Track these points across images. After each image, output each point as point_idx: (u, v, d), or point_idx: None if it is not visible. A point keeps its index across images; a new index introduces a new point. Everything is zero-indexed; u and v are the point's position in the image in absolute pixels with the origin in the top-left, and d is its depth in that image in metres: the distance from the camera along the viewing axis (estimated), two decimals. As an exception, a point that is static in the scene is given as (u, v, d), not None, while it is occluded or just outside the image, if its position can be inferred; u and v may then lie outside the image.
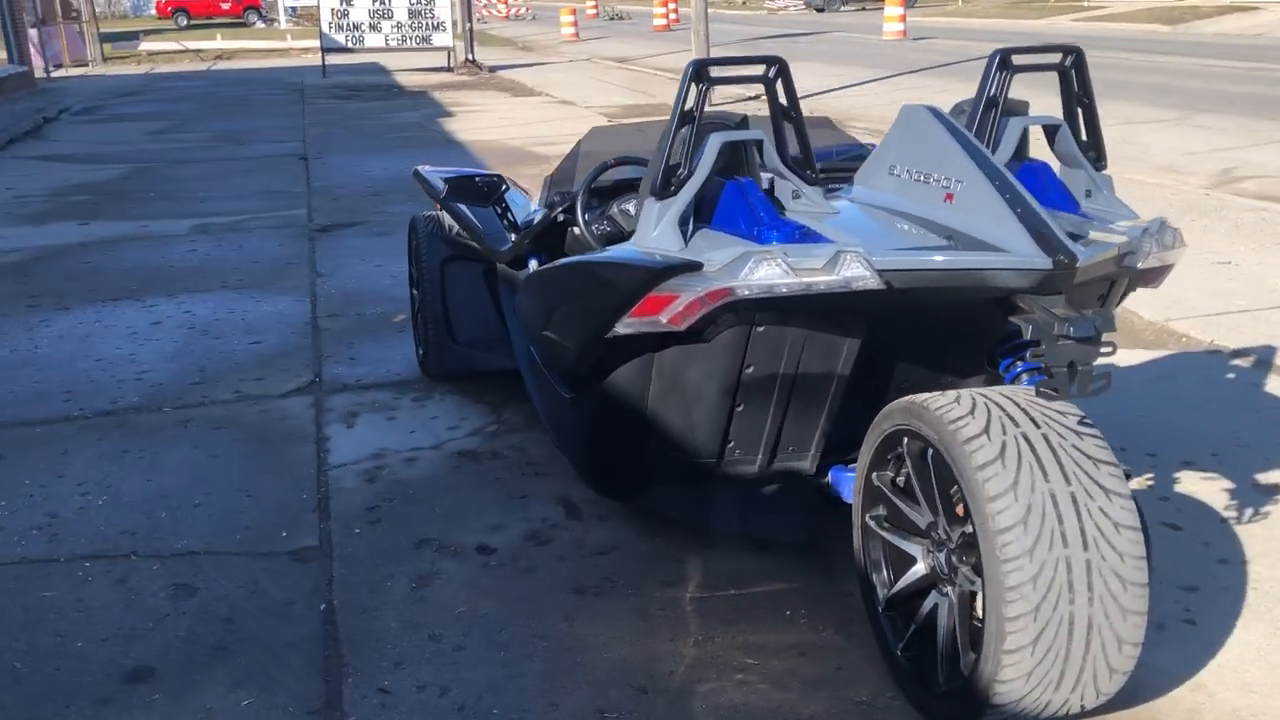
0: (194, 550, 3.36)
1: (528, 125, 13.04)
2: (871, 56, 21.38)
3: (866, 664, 2.73)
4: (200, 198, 9.09)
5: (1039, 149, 2.91)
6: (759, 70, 2.72)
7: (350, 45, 20.91)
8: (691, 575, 3.15)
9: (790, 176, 2.76)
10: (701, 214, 2.77)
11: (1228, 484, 3.62)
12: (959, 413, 2.33)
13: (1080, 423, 2.33)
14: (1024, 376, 2.71)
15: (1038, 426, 2.31)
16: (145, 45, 27.40)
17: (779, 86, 2.75)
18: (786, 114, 2.78)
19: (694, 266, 2.47)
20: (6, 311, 5.96)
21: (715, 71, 2.69)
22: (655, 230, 2.68)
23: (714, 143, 2.68)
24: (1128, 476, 2.50)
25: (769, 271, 2.37)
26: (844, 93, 15.69)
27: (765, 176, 2.82)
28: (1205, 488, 3.60)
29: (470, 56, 21.67)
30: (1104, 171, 2.94)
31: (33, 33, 21.34)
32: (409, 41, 21.14)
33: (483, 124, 13.31)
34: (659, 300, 2.53)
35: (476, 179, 4.03)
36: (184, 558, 3.32)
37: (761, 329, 2.60)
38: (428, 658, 2.81)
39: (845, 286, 2.35)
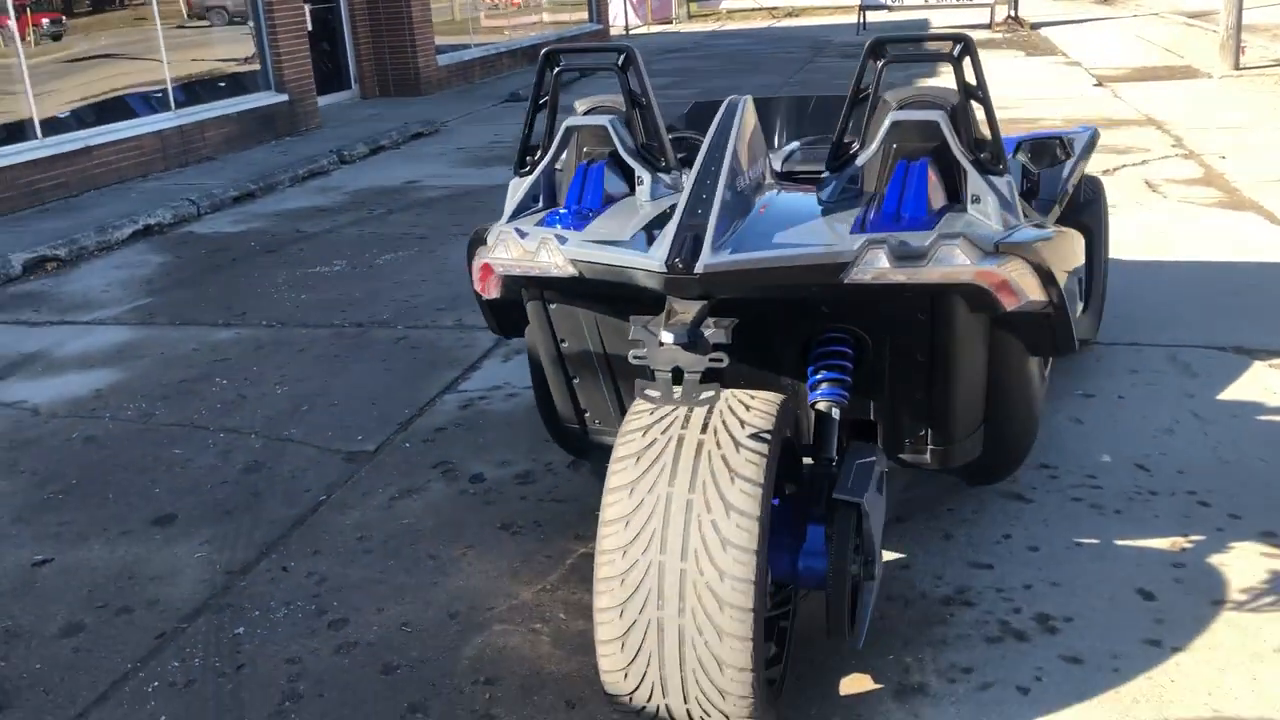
0: (293, 439, 4.16)
1: (1001, 87, 12.44)
2: None
3: (654, 644, 2.78)
4: (623, 149, 10.06)
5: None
6: (610, 59, 2.80)
7: (890, 3, 21.06)
8: (603, 534, 3.32)
9: (634, 163, 2.81)
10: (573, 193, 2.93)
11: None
12: (646, 406, 2.34)
13: (753, 436, 2.23)
14: (822, 385, 2.59)
15: (704, 431, 2.26)
16: (726, 3, 29.56)
17: (630, 74, 2.80)
18: (636, 101, 2.82)
19: (482, 241, 2.69)
20: (388, 233, 7.30)
21: (567, 59, 2.82)
22: (509, 205, 2.90)
23: (562, 127, 2.83)
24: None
25: (503, 253, 2.53)
26: None
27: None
28: (1248, 561, 2.99)
29: (1012, 13, 20.80)
30: (1004, 175, 2.61)
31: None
32: (950, -2, 20.81)
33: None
34: (473, 270, 2.79)
35: None
36: (281, 442, 4.13)
37: (554, 306, 2.74)
38: (338, 551, 3.33)
39: (545, 271, 2.44)
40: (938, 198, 2.68)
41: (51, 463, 4.06)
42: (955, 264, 2.31)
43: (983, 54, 16.49)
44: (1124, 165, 8.16)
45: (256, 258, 6.91)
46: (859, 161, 2.70)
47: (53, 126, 8.97)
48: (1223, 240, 6.06)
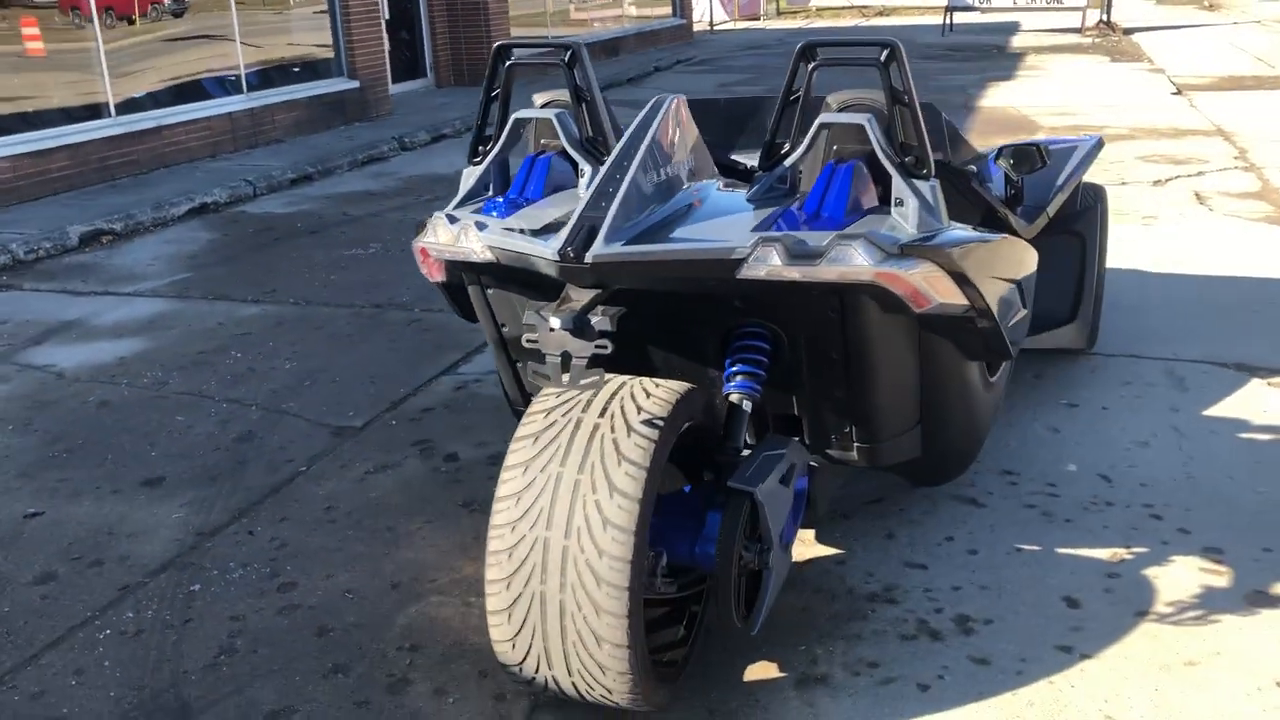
0: (289, 411, 4.33)
1: (1073, 92, 12.24)
2: None
3: (577, 623, 2.87)
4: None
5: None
6: (557, 55, 2.88)
7: (978, 4, 20.76)
8: (556, 516, 3.41)
9: (577, 156, 2.90)
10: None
11: (1214, 583, 2.94)
12: (552, 390, 2.43)
13: (645, 422, 2.30)
14: (736, 378, 2.65)
15: (602, 415, 2.34)
16: (816, 0, 29.33)
17: (575, 71, 2.88)
18: (580, 97, 2.90)
19: (423, 227, 2.80)
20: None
21: (517, 54, 2.91)
22: (460, 192, 3.01)
23: (511, 120, 2.93)
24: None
25: (432, 237, 2.64)
26: None
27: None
28: (1183, 575, 2.97)
29: (1105, 17, 20.32)
30: (928, 179, 2.64)
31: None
32: (1039, 1, 20.42)
33: (1026, 90, 12.73)
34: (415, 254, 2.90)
35: None
36: (277, 414, 4.30)
37: (491, 290, 2.83)
38: (305, 521, 3.47)
39: (467, 256, 2.53)
40: (868, 200, 2.72)
41: (64, 423, 4.29)
42: (853, 264, 2.35)
43: (1065, 58, 16.25)
44: (1178, 176, 7.98)
45: (299, 238, 7.15)
46: (787, 162, 2.75)
47: (127, 106, 9.36)
48: (1259, 255, 5.92)
